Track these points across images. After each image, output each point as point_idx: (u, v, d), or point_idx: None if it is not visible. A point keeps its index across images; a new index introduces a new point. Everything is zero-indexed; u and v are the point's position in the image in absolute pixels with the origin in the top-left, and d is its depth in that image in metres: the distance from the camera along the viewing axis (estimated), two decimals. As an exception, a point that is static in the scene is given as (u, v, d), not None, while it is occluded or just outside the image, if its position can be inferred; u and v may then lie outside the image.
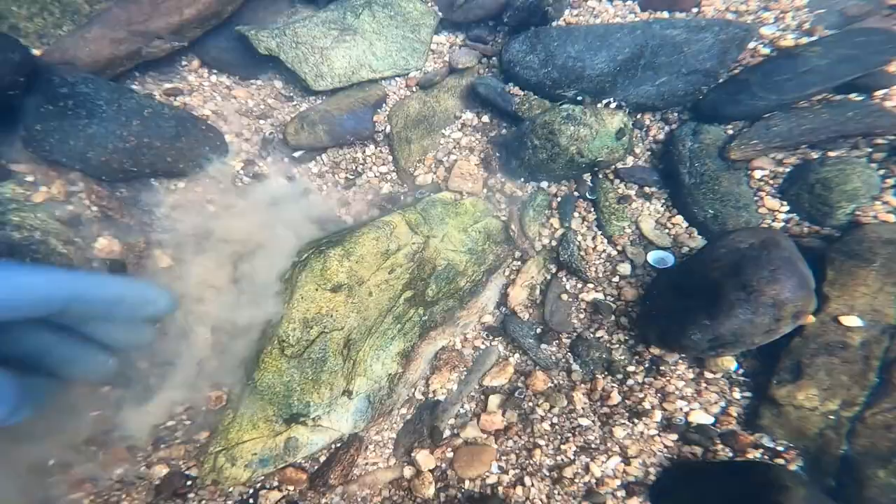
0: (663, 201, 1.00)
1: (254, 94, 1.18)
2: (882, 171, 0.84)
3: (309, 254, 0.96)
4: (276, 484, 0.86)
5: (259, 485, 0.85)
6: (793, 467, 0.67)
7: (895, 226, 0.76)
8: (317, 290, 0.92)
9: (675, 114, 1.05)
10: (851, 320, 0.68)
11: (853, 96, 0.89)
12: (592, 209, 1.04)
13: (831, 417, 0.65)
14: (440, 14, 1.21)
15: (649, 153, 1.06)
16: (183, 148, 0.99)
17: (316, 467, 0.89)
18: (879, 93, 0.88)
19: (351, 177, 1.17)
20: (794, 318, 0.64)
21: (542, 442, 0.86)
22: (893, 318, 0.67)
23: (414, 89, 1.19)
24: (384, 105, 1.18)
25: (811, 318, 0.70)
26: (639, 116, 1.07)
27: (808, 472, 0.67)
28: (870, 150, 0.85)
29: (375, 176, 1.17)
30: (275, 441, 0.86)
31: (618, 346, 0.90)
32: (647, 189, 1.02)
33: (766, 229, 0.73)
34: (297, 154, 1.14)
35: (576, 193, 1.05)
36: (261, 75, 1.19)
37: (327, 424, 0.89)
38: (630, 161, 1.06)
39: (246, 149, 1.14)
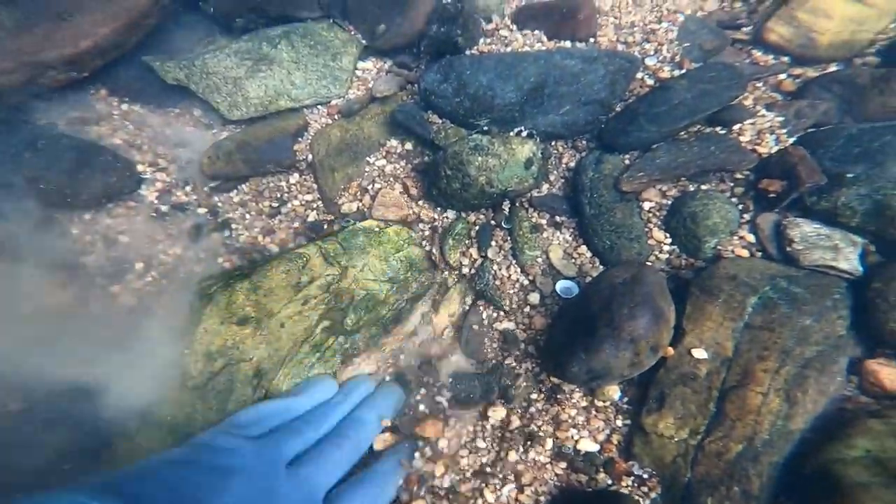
0: (571, 230, 1.03)
1: (171, 123, 1.16)
2: (741, 207, 0.88)
3: (216, 287, 0.95)
4: (177, 523, 0.85)
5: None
6: (653, 495, 0.70)
7: (741, 261, 0.81)
8: (222, 323, 0.91)
9: (585, 142, 1.09)
10: (700, 353, 0.72)
11: (718, 129, 0.94)
12: (508, 238, 1.06)
13: (682, 445, 0.68)
14: (364, 42, 1.22)
15: (563, 181, 1.10)
16: (84, 179, 0.96)
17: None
18: (736, 127, 0.92)
19: (275, 205, 1.16)
20: (652, 352, 0.68)
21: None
22: (730, 350, 0.71)
23: (336, 117, 1.19)
24: (306, 133, 1.17)
25: (671, 351, 0.73)
26: (552, 144, 1.11)
27: (663, 499, 0.70)
28: (732, 184, 0.90)
29: (301, 204, 1.16)
30: (176, 475, 0.85)
31: (524, 373, 0.93)
32: (557, 218, 1.05)
33: (637, 265, 0.76)
34: (213, 184, 1.13)
35: (493, 222, 1.08)
36: (179, 103, 1.17)
37: (236, 455, 0.89)
38: (545, 189, 1.09)
39: (162, 178, 1.12)
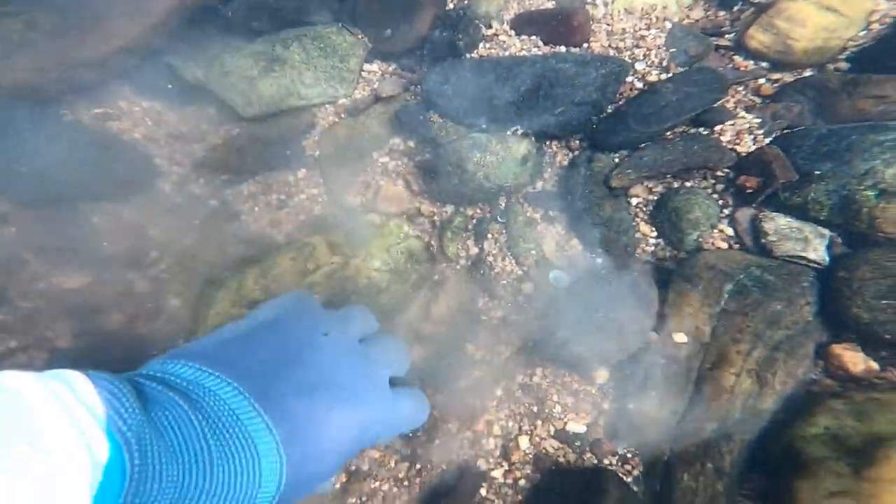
0: (564, 224, 1.08)
1: (187, 119, 1.23)
2: (721, 202, 0.94)
3: (227, 273, 1.01)
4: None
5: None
6: (636, 473, 0.75)
7: (719, 252, 0.86)
8: (232, 306, 0.97)
9: (578, 141, 1.15)
10: (680, 337, 0.77)
11: (701, 130, 0.99)
12: (504, 231, 1.12)
13: (662, 426, 0.73)
14: (370, 44, 1.29)
15: (556, 178, 1.15)
16: (105, 171, 1.03)
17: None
18: (717, 128, 0.97)
19: (283, 198, 1.22)
20: (636, 336, 0.73)
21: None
22: (707, 334, 0.76)
23: (343, 115, 1.25)
24: (313, 130, 1.24)
25: (654, 336, 0.79)
26: (547, 143, 1.17)
27: (644, 476, 0.74)
28: (713, 181, 0.95)
29: (307, 198, 1.22)
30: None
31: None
32: (550, 213, 1.10)
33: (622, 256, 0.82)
34: (225, 177, 1.19)
35: (489, 216, 1.13)
36: (195, 101, 1.24)
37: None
38: (539, 185, 1.15)
39: (177, 171, 1.18)
